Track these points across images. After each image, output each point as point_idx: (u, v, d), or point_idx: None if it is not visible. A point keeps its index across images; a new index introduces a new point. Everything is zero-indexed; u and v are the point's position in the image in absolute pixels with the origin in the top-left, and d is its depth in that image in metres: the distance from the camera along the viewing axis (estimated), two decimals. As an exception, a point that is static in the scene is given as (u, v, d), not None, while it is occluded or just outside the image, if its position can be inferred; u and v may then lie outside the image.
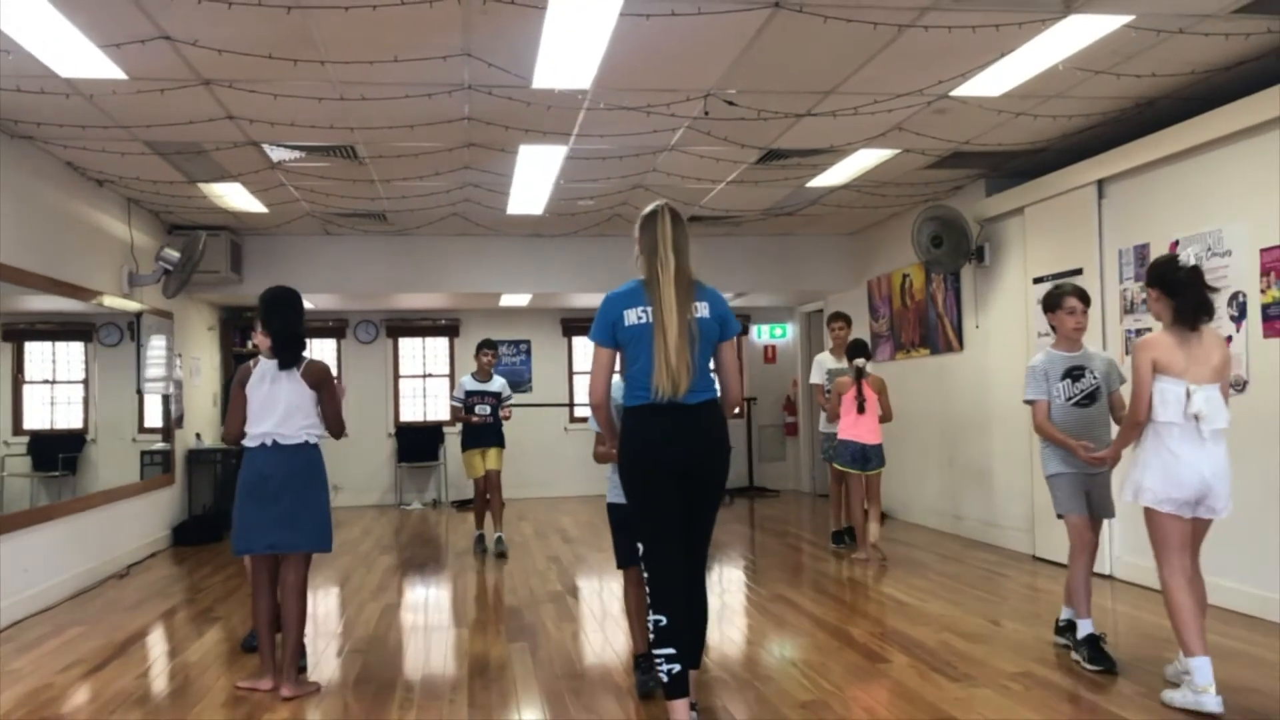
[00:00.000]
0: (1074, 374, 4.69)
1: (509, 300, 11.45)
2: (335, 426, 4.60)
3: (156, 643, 5.49)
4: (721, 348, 3.84)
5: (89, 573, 7.21)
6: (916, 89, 5.68)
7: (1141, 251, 6.32)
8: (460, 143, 6.63)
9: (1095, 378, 4.71)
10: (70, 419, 8.48)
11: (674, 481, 3.65)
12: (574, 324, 12.89)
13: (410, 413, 12.85)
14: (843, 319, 8.43)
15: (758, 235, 10.62)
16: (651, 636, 3.59)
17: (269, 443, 4.42)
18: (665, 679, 3.53)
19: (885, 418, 7.60)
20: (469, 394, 8.42)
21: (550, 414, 12.63)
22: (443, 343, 12.92)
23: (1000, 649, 4.90)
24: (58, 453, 8.24)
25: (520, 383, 12.80)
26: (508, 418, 8.47)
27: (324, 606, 6.43)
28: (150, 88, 5.26)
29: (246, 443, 4.47)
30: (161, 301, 8.88)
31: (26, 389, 8.22)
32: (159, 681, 4.74)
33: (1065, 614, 4.85)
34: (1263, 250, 5.36)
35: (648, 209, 3.81)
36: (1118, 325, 6.53)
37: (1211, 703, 3.79)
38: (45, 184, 6.77)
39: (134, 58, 4.89)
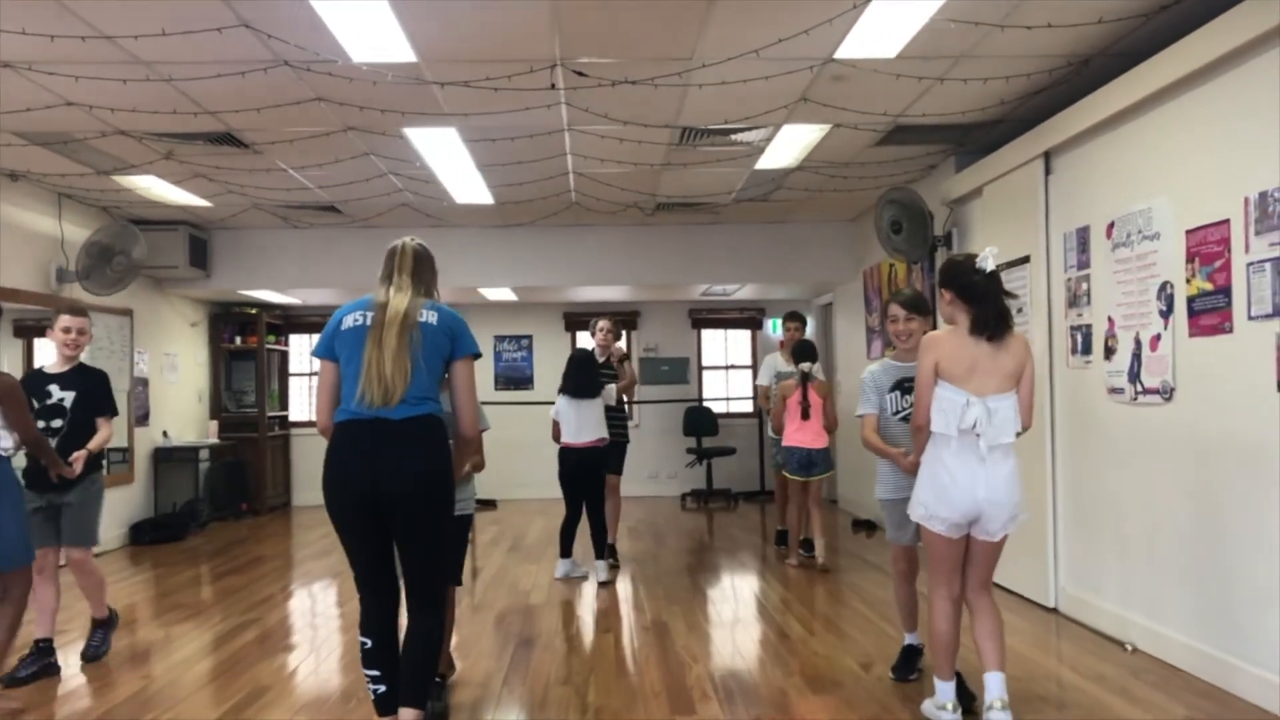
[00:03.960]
0: (903, 386, 4.18)
1: (491, 294, 10.99)
2: (26, 442, 4.36)
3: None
4: (454, 367, 3.43)
5: None
6: (759, 47, 4.91)
7: (1082, 235, 5.42)
8: (336, 126, 6.19)
9: None
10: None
11: (371, 507, 3.29)
12: (577, 319, 12.38)
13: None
14: (797, 319, 8.01)
15: (747, 222, 9.86)
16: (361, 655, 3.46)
17: None
18: (374, 696, 3.40)
19: (829, 426, 7.10)
20: None
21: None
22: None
23: (837, 702, 4.16)
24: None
25: (521, 379, 12.42)
26: None
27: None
28: (-58, 72, 4.99)
29: None
30: (119, 299, 8.74)
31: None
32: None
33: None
34: (1188, 232, 4.45)
35: (392, 244, 3.55)
36: (1062, 320, 5.64)
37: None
38: (-69, 179, 6.62)
39: (-97, 40, 4.60)
